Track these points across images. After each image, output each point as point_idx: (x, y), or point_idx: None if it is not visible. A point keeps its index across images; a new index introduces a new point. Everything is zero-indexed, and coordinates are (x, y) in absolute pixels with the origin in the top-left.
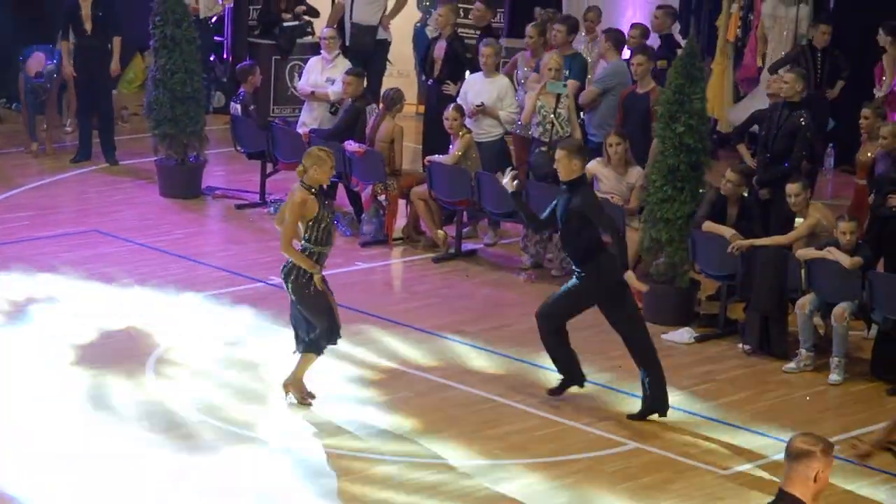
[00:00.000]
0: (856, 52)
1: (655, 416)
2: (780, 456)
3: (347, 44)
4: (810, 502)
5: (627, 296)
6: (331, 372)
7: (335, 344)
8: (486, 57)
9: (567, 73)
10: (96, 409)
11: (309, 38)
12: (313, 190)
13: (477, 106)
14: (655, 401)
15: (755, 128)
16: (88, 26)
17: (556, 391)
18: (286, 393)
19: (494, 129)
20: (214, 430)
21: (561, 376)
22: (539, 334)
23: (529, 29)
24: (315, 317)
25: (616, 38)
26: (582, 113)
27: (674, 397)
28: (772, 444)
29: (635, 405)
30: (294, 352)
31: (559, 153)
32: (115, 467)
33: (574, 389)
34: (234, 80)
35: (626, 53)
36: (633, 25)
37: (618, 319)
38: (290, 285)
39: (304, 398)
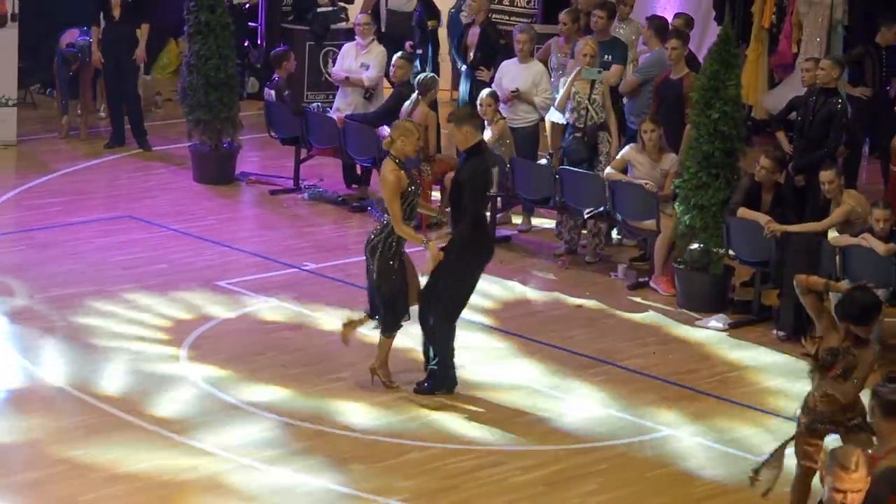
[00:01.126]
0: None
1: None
2: None
3: (383, 30)
4: None
5: (449, 276)
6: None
7: (400, 326)
8: (521, 43)
9: (608, 58)
10: (132, 394)
11: (343, 24)
12: (399, 161)
13: (512, 92)
14: (440, 379)
15: (793, 114)
16: (117, 12)
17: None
18: (373, 377)
19: (530, 115)
20: (246, 413)
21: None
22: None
23: (563, 15)
24: (385, 300)
25: (658, 26)
26: (624, 99)
27: (708, 383)
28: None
29: (668, 391)
30: (374, 326)
31: (449, 128)
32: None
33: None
34: (268, 65)
35: None
36: (677, 15)
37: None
38: (375, 262)
39: (390, 382)
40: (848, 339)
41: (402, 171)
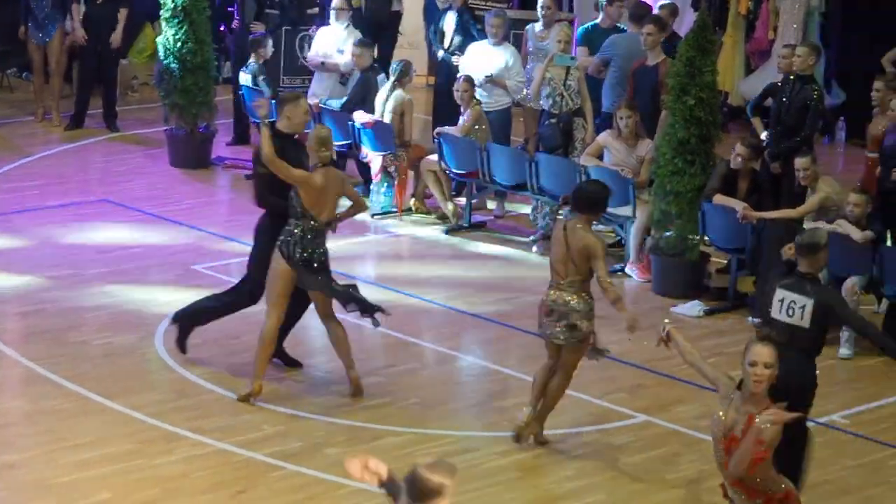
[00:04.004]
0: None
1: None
2: None
3: (363, 14)
4: None
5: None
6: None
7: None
8: (494, 27)
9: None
10: (106, 378)
11: (317, 9)
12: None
13: (486, 77)
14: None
15: (769, 101)
16: None
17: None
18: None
19: (502, 99)
20: (221, 400)
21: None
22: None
23: (547, 0)
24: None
25: (636, 11)
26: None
27: (683, 370)
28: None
29: (645, 378)
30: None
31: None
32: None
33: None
34: (245, 50)
35: None
36: (662, 5)
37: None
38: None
39: None
40: None
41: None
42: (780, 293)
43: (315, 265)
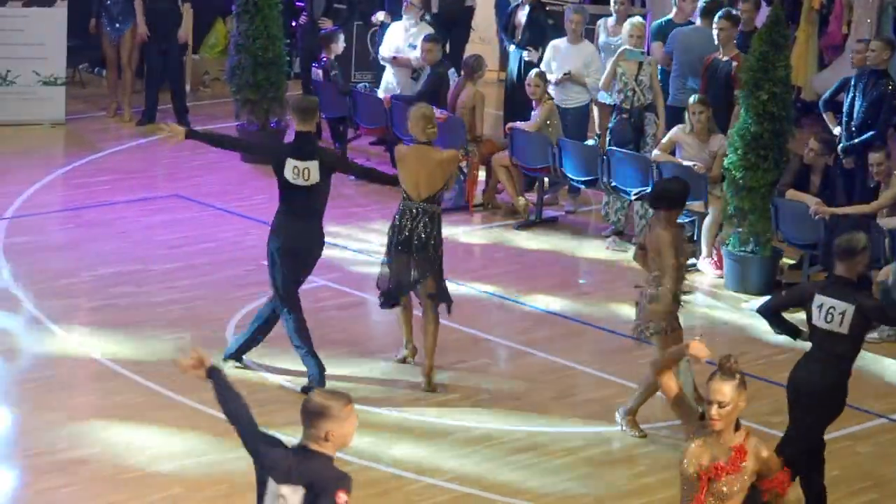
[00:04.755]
0: None
1: None
2: (863, 426)
3: (435, 10)
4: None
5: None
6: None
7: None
8: (573, 23)
9: None
10: (177, 373)
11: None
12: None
13: (564, 74)
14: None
15: (842, 96)
16: None
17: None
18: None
19: (581, 96)
20: (291, 394)
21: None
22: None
23: None
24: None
25: (707, 6)
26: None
27: (755, 366)
28: (848, 412)
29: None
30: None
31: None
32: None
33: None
34: (313, 45)
35: None
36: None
37: None
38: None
39: None
40: None
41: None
42: (818, 299)
43: (415, 242)
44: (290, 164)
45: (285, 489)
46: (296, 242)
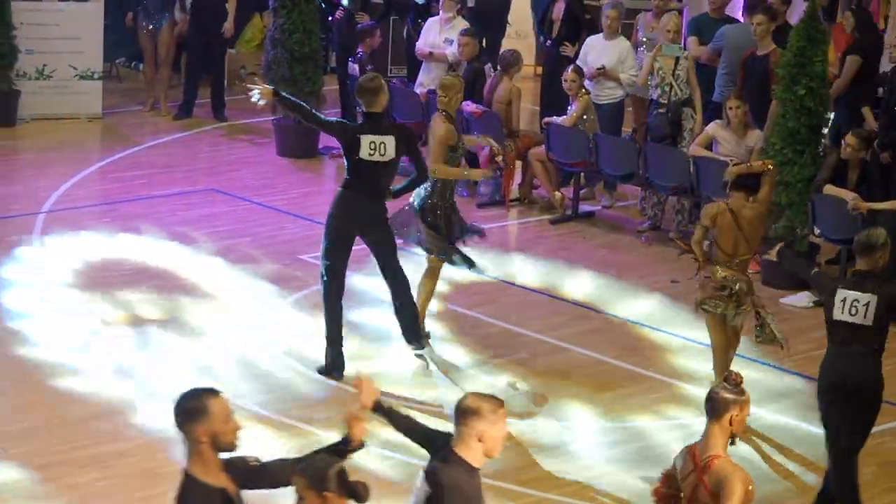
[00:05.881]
0: None
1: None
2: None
3: (471, 4)
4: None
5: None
6: (449, 332)
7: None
8: (609, 19)
9: None
10: (216, 367)
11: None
12: (447, 115)
13: (598, 69)
14: (406, 331)
15: (880, 91)
16: None
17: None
18: None
19: (616, 92)
20: (330, 386)
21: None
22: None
23: None
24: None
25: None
26: None
27: (792, 361)
28: (886, 408)
29: (751, 367)
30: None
31: None
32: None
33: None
34: (348, 40)
35: None
36: None
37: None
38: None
39: None
40: None
41: (452, 125)
42: (841, 293)
43: (428, 218)
44: (367, 139)
45: None
46: (358, 218)
